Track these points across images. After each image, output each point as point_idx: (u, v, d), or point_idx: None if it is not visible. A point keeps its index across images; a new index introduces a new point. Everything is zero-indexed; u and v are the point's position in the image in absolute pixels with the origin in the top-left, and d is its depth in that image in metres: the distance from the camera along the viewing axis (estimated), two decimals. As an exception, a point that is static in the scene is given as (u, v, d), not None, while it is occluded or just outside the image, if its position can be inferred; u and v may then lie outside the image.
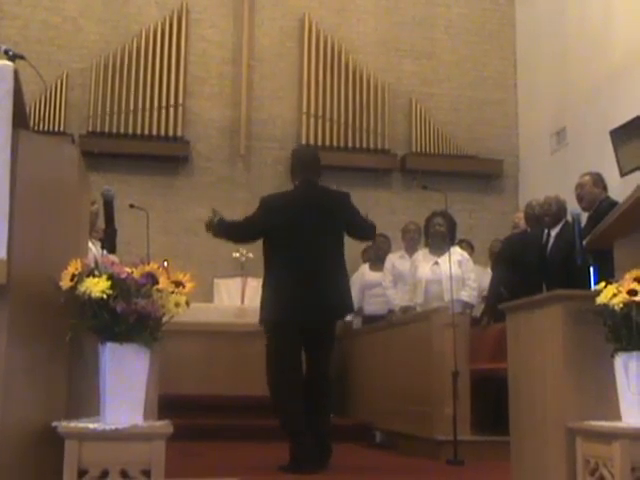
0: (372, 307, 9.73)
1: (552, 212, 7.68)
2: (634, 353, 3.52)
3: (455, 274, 7.54)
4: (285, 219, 6.08)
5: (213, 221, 6.21)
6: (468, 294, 7.99)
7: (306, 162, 6.46)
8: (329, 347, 6.24)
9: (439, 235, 8.10)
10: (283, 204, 6.26)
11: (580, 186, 7.23)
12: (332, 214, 6.18)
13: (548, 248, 7.69)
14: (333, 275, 6.10)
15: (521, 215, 8.83)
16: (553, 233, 7.70)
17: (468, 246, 9.70)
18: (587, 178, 7.25)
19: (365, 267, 10.07)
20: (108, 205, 8.11)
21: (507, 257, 8.19)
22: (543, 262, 7.63)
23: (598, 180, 7.26)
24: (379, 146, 12.10)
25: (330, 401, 6.31)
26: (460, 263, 7.92)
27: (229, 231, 6.39)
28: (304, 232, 6.03)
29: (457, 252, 8.08)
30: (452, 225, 8.26)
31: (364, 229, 6.43)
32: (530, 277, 7.25)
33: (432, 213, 8.39)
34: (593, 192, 7.15)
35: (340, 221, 6.20)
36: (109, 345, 3.19)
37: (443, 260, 7.86)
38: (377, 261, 9.74)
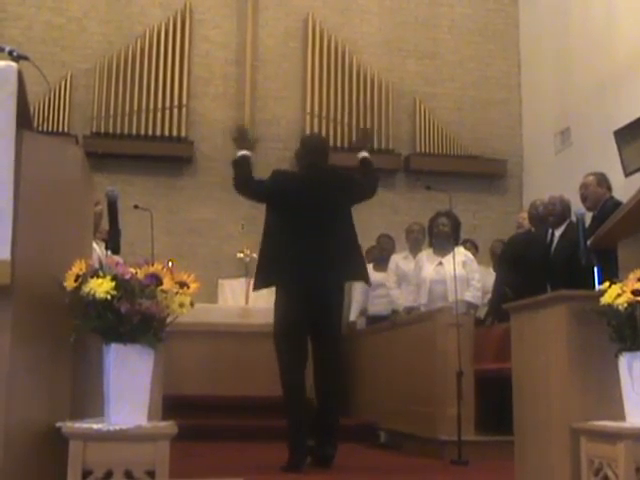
0: (376, 307, 9.73)
1: (556, 212, 7.68)
2: (638, 353, 3.52)
3: (459, 274, 7.54)
4: (291, 190, 6.23)
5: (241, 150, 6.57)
6: (472, 294, 7.99)
7: (310, 147, 6.57)
8: (334, 321, 6.32)
9: (443, 235, 8.09)
10: (291, 177, 6.55)
11: (584, 186, 7.23)
12: (337, 189, 6.28)
13: (552, 248, 7.68)
14: (339, 245, 6.14)
15: (525, 215, 8.81)
16: (557, 233, 7.70)
17: (472, 246, 9.69)
18: (591, 178, 7.25)
19: (369, 267, 10.06)
20: (112, 206, 8.09)
21: (510, 257, 8.18)
22: (547, 262, 7.63)
23: (602, 180, 7.26)
24: (383, 146, 12.10)
25: (336, 394, 6.43)
26: (464, 263, 7.92)
27: (241, 170, 6.60)
28: (309, 204, 6.15)
29: (461, 252, 8.08)
30: (456, 225, 8.25)
31: (366, 184, 6.56)
32: (534, 277, 7.25)
33: (436, 213, 8.38)
34: (597, 192, 7.15)
35: (347, 195, 6.32)
36: (113, 346, 3.19)
37: (447, 260, 7.85)
38: (381, 261, 9.74)
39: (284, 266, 6.18)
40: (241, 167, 6.42)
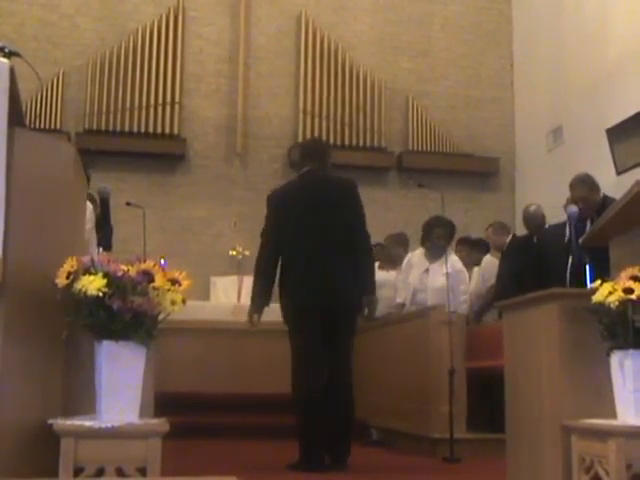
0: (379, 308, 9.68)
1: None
2: (630, 351, 3.52)
3: (440, 286, 7.58)
4: (292, 213, 6.17)
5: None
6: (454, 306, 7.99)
7: (308, 151, 6.51)
8: (344, 338, 6.13)
9: (438, 247, 8.06)
10: (288, 198, 6.31)
11: (581, 199, 7.15)
12: (336, 204, 6.14)
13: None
14: (342, 262, 6.02)
15: (489, 233, 8.96)
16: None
17: (467, 244, 9.65)
18: (584, 191, 7.19)
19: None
20: (104, 203, 8.10)
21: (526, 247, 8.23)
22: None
23: (592, 184, 7.25)
24: (375, 144, 12.11)
25: (351, 406, 6.18)
26: (449, 275, 7.77)
27: (265, 279, 6.38)
28: (310, 223, 6.07)
29: (452, 261, 7.98)
30: (452, 233, 8.25)
31: (357, 239, 6.21)
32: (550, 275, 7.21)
33: (435, 219, 8.25)
34: (592, 199, 7.14)
35: (345, 210, 6.16)
36: (105, 343, 3.18)
37: (433, 268, 7.90)
38: (387, 262, 9.65)
39: (296, 286, 6.16)
40: (263, 285, 6.40)
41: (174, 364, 9.06)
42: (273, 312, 10.62)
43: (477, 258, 9.35)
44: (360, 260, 6.07)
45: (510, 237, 9.10)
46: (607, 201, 6.99)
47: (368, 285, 6.12)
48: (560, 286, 4.87)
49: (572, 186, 7.30)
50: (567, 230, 7.80)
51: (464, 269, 8.29)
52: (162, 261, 3.59)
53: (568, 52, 11.08)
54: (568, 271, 7.36)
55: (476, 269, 9.10)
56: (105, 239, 6.47)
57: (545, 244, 8.05)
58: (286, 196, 6.37)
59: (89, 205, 6.42)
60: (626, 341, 3.53)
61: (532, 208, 8.60)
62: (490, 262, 9.31)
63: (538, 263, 7.75)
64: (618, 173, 9.45)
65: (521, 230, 9.92)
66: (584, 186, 7.21)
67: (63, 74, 11.55)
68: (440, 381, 6.82)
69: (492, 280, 8.89)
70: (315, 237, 6.07)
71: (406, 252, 9.13)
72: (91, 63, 11.61)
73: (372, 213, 11.89)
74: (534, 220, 8.55)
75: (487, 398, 6.90)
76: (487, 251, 9.75)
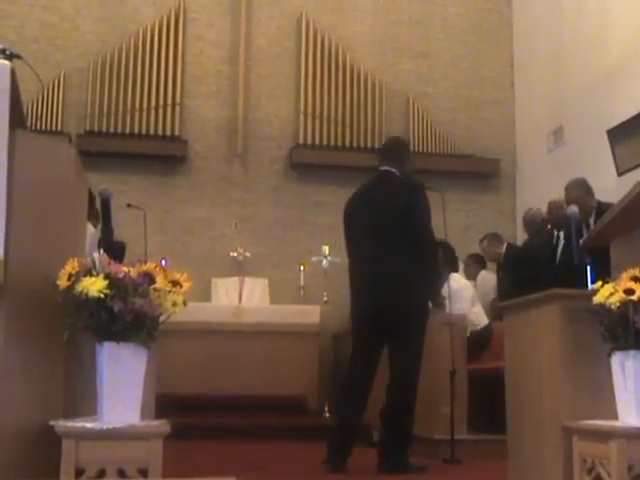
0: None
1: (560, 215, 7.71)
2: (631, 352, 3.52)
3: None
4: (355, 216, 6.26)
5: None
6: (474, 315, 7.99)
7: (385, 151, 6.53)
8: (400, 343, 6.03)
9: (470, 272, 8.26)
10: (354, 201, 6.37)
11: (574, 199, 7.17)
12: (395, 205, 6.05)
13: (559, 251, 7.72)
14: (398, 264, 5.97)
15: (484, 246, 8.93)
16: (562, 235, 7.74)
17: (479, 260, 9.66)
18: (579, 192, 7.21)
19: None
20: (105, 205, 8.11)
21: (516, 261, 8.24)
22: (554, 265, 7.66)
23: (588, 189, 7.27)
24: (376, 145, 12.08)
25: (401, 417, 6.08)
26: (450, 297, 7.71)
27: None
28: (369, 225, 6.10)
29: (453, 280, 7.93)
30: (451, 256, 8.23)
31: (417, 241, 6.04)
32: (542, 280, 7.23)
33: None
34: (587, 204, 7.16)
35: (404, 211, 6.02)
36: (106, 344, 3.18)
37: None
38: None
39: (357, 296, 6.22)
40: None
41: (175, 365, 9.07)
42: (275, 313, 10.67)
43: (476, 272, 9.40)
44: (420, 262, 5.97)
45: (505, 247, 9.11)
46: (602, 207, 7.00)
47: (428, 288, 6.07)
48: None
49: (567, 189, 7.33)
50: (555, 234, 7.84)
51: (463, 287, 8.24)
52: (163, 261, 3.59)
53: (568, 53, 11.08)
54: (555, 273, 7.40)
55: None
56: (106, 241, 6.48)
57: (535, 249, 8.08)
58: (353, 200, 6.41)
59: (90, 228, 6.39)
60: (627, 342, 3.53)
61: (530, 212, 8.64)
62: (484, 278, 9.33)
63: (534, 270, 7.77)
64: (619, 174, 9.45)
65: (522, 233, 9.96)
66: (579, 189, 7.24)
67: (64, 76, 11.55)
68: (441, 382, 6.82)
69: (492, 294, 8.91)
70: (373, 239, 6.07)
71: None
72: (92, 65, 11.60)
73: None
74: (533, 223, 8.58)
75: (488, 399, 6.92)
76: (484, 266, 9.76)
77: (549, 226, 8.30)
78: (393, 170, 6.22)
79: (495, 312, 8.37)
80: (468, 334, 7.65)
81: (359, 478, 6.01)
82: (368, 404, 9.04)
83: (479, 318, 8.20)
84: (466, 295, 8.15)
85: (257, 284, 11.33)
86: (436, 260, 6.27)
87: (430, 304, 6.22)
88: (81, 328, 3.23)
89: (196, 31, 12.20)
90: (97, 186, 7.50)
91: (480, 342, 7.83)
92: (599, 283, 3.65)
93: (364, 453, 7.20)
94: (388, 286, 5.95)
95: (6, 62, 3.30)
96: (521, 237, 10.56)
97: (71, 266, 3.22)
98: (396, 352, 6.03)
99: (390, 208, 6.02)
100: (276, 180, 12.00)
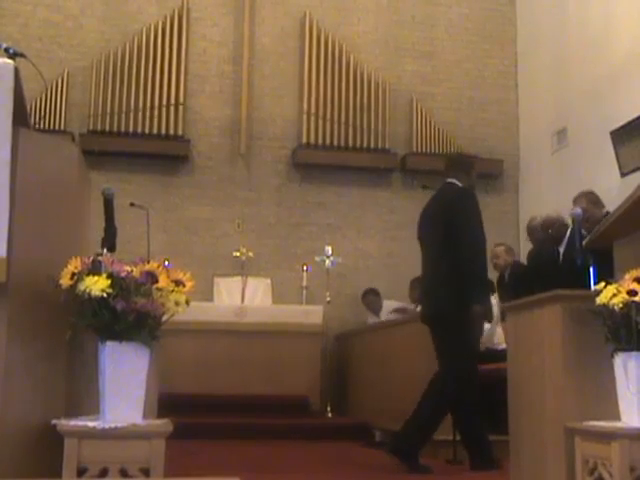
0: None
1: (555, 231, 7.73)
2: (633, 353, 3.52)
3: None
4: (419, 229, 6.65)
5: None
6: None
7: (448, 164, 6.75)
8: (440, 348, 6.28)
9: None
10: (421, 214, 6.72)
11: (583, 211, 7.14)
12: (442, 213, 6.32)
13: (560, 259, 7.72)
14: (439, 272, 6.24)
15: (501, 250, 8.87)
16: (562, 249, 7.74)
17: None
18: (586, 204, 7.19)
19: None
20: (108, 204, 8.10)
21: (521, 276, 8.25)
22: (559, 274, 7.65)
23: (596, 200, 7.25)
24: (379, 145, 12.09)
25: (423, 409, 6.22)
26: None
27: None
28: (424, 233, 6.55)
29: None
30: None
31: (458, 246, 6.18)
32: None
33: None
34: (595, 213, 7.14)
35: (449, 219, 6.23)
36: (109, 344, 3.19)
37: None
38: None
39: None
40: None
41: (178, 365, 9.08)
42: (277, 313, 10.67)
43: None
44: (460, 269, 6.10)
45: (512, 263, 9.02)
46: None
47: (467, 294, 6.12)
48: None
49: (575, 200, 7.32)
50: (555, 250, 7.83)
51: (494, 304, 8.27)
52: (166, 263, 3.58)
53: (572, 54, 11.07)
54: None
55: None
56: (109, 240, 6.47)
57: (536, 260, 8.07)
58: (423, 209, 6.72)
59: None
60: (630, 343, 3.53)
61: (533, 222, 8.60)
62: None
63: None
64: (622, 175, 9.43)
65: (525, 234, 9.92)
66: (586, 200, 7.21)
67: (67, 75, 11.55)
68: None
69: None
70: (425, 247, 6.50)
71: None
72: (95, 64, 11.60)
73: (376, 214, 12.03)
74: (536, 232, 8.54)
75: (490, 400, 6.90)
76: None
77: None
78: (455, 182, 6.49)
79: None
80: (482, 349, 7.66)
81: (362, 478, 6.01)
82: (370, 406, 9.07)
83: (501, 340, 8.21)
84: (495, 312, 8.18)
85: (260, 284, 11.32)
86: (472, 267, 6.27)
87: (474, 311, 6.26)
88: (84, 327, 3.23)
89: (199, 31, 12.20)
90: (100, 185, 7.49)
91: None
92: (602, 284, 3.65)
93: (366, 453, 7.21)
94: (428, 291, 6.40)
95: (10, 61, 3.30)
96: (523, 237, 10.54)
97: (74, 265, 3.22)
98: (437, 354, 6.31)
99: (441, 218, 6.30)
100: (279, 180, 12.00)
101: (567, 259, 7.49)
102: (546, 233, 7.99)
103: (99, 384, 3.23)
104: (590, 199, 7.25)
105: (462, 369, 6.10)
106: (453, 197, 6.37)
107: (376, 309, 10.98)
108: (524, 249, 9.94)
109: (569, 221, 7.38)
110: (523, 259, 9.35)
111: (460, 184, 6.47)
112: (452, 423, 6.49)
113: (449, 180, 6.51)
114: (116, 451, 3.10)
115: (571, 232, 7.54)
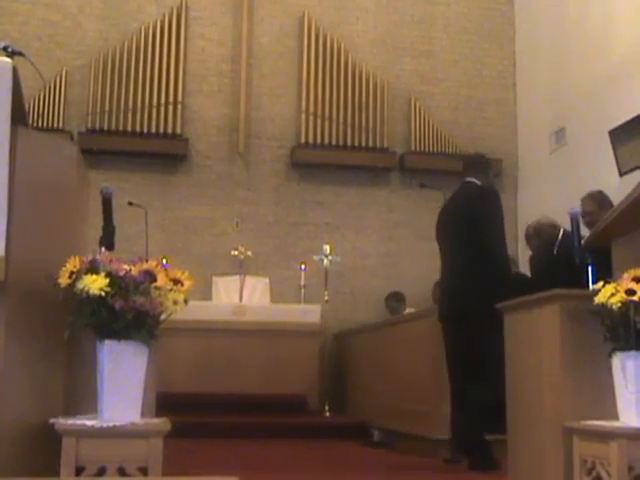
0: None
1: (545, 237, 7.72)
2: (632, 352, 3.52)
3: None
4: (440, 227, 6.69)
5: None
6: None
7: (468, 164, 6.78)
8: (458, 348, 6.29)
9: None
10: (441, 212, 6.78)
11: (588, 214, 7.11)
12: (464, 212, 6.36)
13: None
14: (458, 276, 6.28)
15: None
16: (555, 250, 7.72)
17: None
18: (592, 204, 7.15)
19: None
20: (106, 202, 8.10)
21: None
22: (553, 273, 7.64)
23: (602, 201, 7.20)
24: (378, 144, 12.09)
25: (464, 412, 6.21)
26: None
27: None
28: (444, 233, 6.57)
29: None
30: None
31: (486, 251, 6.20)
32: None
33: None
34: (599, 216, 7.10)
35: (470, 217, 6.27)
36: (107, 342, 3.19)
37: None
38: None
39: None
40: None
41: (176, 364, 9.08)
42: (275, 312, 10.68)
43: None
44: (483, 266, 6.13)
45: (562, 232, 8.96)
46: None
47: (497, 292, 6.13)
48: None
49: (582, 201, 7.28)
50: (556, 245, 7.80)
51: None
52: (163, 262, 3.58)
53: (571, 53, 11.07)
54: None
55: None
56: (107, 239, 6.47)
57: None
58: (442, 208, 6.84)
59: None
60: (628, 342, 3.53)
61: (529, 230, 8.56)
62: None
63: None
64: (621, 174, 9.43)
65: (523, 233, 9.91)
66: (592, 201, 7.16)
67: (66, 73, 11.55)
68: (441, 382, 6.82)
69: None
70: (447, 245, 6.51)
71: None
72: (94, 63, 11.60)
73: (374, 213, 12.03)
74: (532, 239, 8.52)
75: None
76: None
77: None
78: (474, 180, 6.54)
79: None
80: None
81: (361, 478, 6.01)
82: (368, 405, 9.07)
83: None
84: None
85: (258, 283, 11.32)
86: (496, 265, 6.28)
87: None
88: (82, 326, 3.23)
89: (198, 29, 12.19)
90: (98, 184, 7.49)
91: None
92: (600, 283, 3.65)
93: (364, 453, 7.21)
94: (451, 288, 6.41)
95: (8, 60, 3.30)
96: (522, 237, 10.53)
97: (72, 264, 3.22)
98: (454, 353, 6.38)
99: (465, 215, 6.34)
100: (277, 179, 12.00)
101: (561, 260, 7.48)
102: (540, 239, 7.98)
103: (97, 383, 3.23)
104: (597, 201, 7.20)
105: (491, 368, 6.09)
106: (477, 194, 6.42)
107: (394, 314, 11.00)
108: (523, 252, 9.90)
109: (567, 220, 7.34)
110: (523, 259, 9.33)
111: (479, 183, 6.54)
112: (451, 420, 6.50)
113: (468, 179, 6.56)
114: (114, 450, 3.10)
115: (566, 232, 7.53)
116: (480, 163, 6.76)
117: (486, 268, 6.08)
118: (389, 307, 11.19)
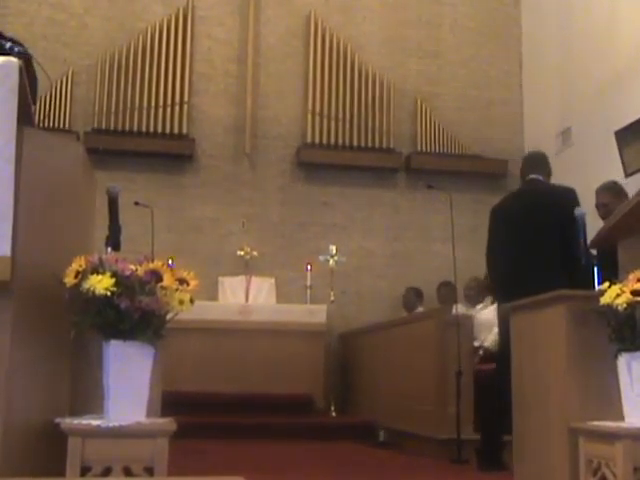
0: None
1: None
2: (637, 353, 3.52)
3: (486, 318, 7.71)
4: (504, 222, 6.56)
5: None
6: (491, 340, 7.94)
7: (533, 162, 6.80)
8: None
9: (471, 297, 9.19)
10: (504, 207, 6.74)
11: (604, 205, 7.06)
12: (548, 211, 6.30)
13: None
14: (541, 273, 6.11)
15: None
16: None
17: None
18: (608, 197, 7.09)
19: None
20: (113, 202, 8.11)
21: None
22: None
23: (619, 192, 7.15)
24: (384, 145, 12.09)
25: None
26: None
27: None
28: (518, 229, 6.38)
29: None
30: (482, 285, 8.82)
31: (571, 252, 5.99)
32: None
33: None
34: (615, 206, 7.05)
35: (555, 219, 6.20)
36: (113, 342, 3.19)
37: (476, 310, 8.59)
38: None
39: (510, 281, 6.33)
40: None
41: (182, 364, 9.08)
42: (281, 312, 10.68)
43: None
44: (567, 268, 6.03)
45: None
46: None
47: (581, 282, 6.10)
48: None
49: (596, 192, 7.24)
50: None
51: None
52: (170, 262, 3.58)
53: (577, 54, 11.05)
54: None
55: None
56: (113, 239, 6.48)
57: None
58: (503, 207, 6.77)
59: None
60: (634, 343, 3.52)
61: None
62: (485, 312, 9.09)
63: None
64: (627, 175, 9.42)
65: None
66: (608, 192, 7.12)
67: (72, 73, 11.56)
68: (447, 383, 6.82)
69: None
70: (523, 243, 6.32)
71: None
72: (100, 62, 11.61)
73: (380, 214, 12.03)
74: None
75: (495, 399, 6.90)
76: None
77: None
78: (540, 178, 6.62)
79: None
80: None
81: (367, 478, 6.01)
82: (374, 405, 9.07)
83: None
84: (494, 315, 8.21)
85: (264, 283, 11.33)
86: (582, 268, 6.29)
87: None
88: (88, 326, 3.23)
89: (204, 30, 12.20)
90: (105, 184, 7.49)
91: None
92: (606, 284, 3.65)
93: (370, 453, 7.21)
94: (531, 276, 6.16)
95: (14, 59, 3.30)
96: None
97: (78, 264, 3.23)
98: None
99: (550, 210, 6.28)
100: (283, 179, 12.00)
101: None
102: None
103: (103, 383, 3.23)
104: (612, 192, 7.15)
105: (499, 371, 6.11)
106: (572, 196, 6.33)
107: (409, 308, 11.01)
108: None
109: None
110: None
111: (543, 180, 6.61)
112: (456, 422, 6.50)
113: (533, 176, 6.59)
114: (120, 450, 3.10)
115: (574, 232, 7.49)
116: (541, 161, 6.83)
117: (568, 265, 5.98)
118: (406, 300, 11.16)
